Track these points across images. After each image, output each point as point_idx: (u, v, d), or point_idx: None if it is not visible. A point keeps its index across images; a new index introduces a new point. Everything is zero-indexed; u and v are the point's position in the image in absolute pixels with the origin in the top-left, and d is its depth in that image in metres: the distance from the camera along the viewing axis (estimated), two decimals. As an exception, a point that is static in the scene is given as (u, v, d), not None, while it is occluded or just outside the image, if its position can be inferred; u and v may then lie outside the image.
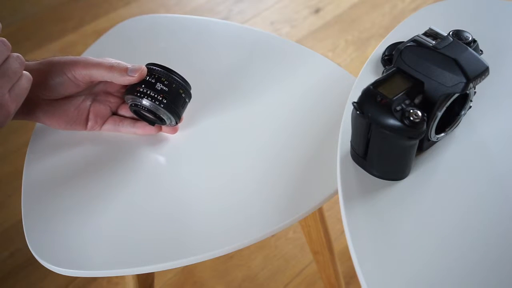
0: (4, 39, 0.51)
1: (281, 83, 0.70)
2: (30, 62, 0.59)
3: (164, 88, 0.58)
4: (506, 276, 0.44)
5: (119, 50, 0.77)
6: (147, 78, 0.58)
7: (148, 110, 0.59)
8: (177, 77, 0.59)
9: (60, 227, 0.54)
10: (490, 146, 0.54)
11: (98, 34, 1.60)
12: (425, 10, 0.72)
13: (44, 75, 0.57)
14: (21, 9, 1.80)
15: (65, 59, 0.58)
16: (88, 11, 1.78)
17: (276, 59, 0.73)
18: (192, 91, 0.61)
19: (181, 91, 0.59)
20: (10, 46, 0.52)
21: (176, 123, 0.61)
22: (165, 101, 0.58)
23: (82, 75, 0.57)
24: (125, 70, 0.58)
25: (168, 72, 0.59)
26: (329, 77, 0.70)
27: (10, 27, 1.73)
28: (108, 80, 0.58)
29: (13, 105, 0.52)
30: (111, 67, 0.57)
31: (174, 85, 0.59)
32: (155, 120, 0.61)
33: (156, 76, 0.58)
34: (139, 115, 0.61)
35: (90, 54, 0.76)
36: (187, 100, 0.61)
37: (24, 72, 0.53)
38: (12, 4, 1.82)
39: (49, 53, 1.61)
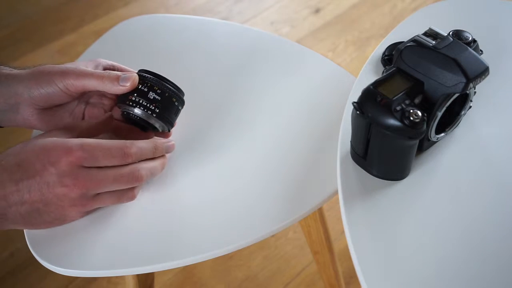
0: (172, 143, 0.59)
1: (281, 83, 0.70)
2: (21, 71, 0.57)
3: (157, 97, 0.57)
4: (506, 275, 0.44)
5: (119, 50, 0.77)
6: (140, 87, 0.57)
7: (140, 118, 0.58)
8: (170, 85, 0.58)
9: (60, 227, 0.54)
10: (490, 146, 0.54)
11: (98, 34, 1.60)
12: (425, 10, 0.72)
13: (35, 85, 0.56)
14: (21, 9, 1.80)
15: (55, 70, 0.56)
16: (87, 11, 1.78)
17: (276, 59, 0.73)
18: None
19: (174, 100, 0.58)
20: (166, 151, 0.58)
21: (169, 130, 0.61)
22: (157, 111, 0.57)
23: (74, 86, 0.56)
24: (116, 80, 0.56)
25: (161, 80, 0.58)
26: (329, 77, 0.70)
27: (10, 27, 1.73)
28: (101, 90, 0.57)
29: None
30: (102, 77, 0.56)
31: (167, 94, 0.58)
32: (148, 127, 0.60)
33: (149, 84, 0.57)
34: (132, 120, 0.60)
35: (89, 54, 0.76)
36: (180, 108, 0.60)
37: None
38: (12, 4, 1.82)
39: (49, 53, 1.61)
